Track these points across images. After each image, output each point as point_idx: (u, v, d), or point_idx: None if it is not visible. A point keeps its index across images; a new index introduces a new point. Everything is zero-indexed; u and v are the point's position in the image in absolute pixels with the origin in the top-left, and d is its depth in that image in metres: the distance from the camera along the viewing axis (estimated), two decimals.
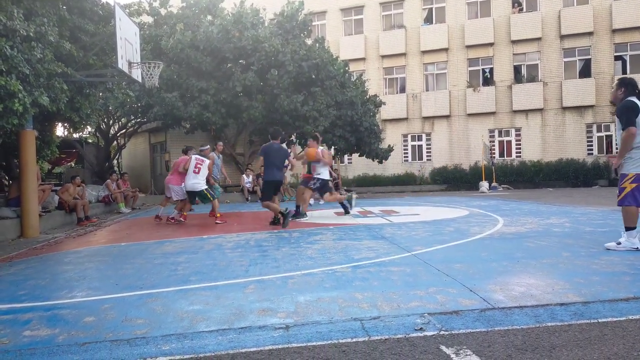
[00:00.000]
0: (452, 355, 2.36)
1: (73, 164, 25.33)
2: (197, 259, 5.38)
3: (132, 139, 23.17)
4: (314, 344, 2.60)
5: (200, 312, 3.24)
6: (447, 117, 26.63)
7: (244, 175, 18.62)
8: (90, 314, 3.30)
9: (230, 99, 17.44)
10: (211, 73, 17.63)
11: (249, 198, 17.77)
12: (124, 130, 22.33)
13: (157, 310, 3.33)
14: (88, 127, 17.09)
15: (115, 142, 22.64)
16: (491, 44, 25.94)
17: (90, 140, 24.07)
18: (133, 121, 21.67)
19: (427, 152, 27.14)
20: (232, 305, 3.38)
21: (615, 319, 2.82)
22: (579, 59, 25.15)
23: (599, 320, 2.81)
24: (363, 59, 27.80)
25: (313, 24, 22.16)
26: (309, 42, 19.50)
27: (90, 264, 5.44)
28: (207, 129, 18.81)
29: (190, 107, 16.99)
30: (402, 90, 27.58)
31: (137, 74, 10.01)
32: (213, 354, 2.51)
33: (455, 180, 24.93)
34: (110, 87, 11.71)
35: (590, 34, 24.55)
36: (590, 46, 24.75)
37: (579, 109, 24.81)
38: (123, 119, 21.79)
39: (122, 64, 8.99)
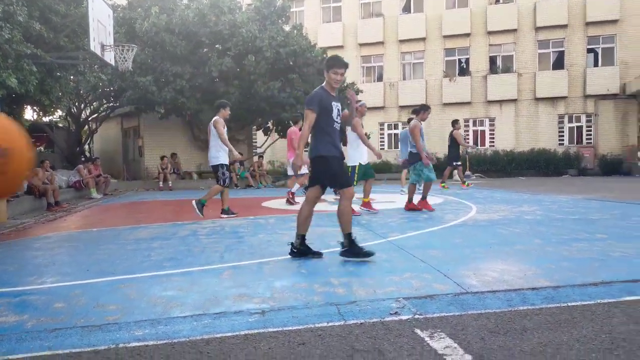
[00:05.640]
0: (427, 339, 2.39)
1: (43, 149, 24.69)
2: (171, 245, 5.31)
3: (104, 124, 22.65)
4: (290, 328, 2.60)
5: (175, 298, 3.20)
6: None
7: None
8: (61, 300, 3.23)
9: (206, 85, 17.19)
10: (186, 57, 17.32)
11: None
12: (95, 115, 21.81)
13: (130, 296, 3.28)
14: (58, 110, 16.65)
15: (86, 127, 22.11)
16: (468, 35, 26.10)
17: (60, 125, 23.47)
18: (105, 105, 21.18)
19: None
20: (207, 291, 3.35)
21: (584, 303, 2.89)
22: (552, 51, 25.54)
23: (569, 304, 2.88)
24: (341, 47, 27.65)
25: (291, 10, 21.93)
26: (286, 28, 19.31)
27: (60, 250, 5.33)
28: (182, 114, 18.53)
29: (165, 91, 16.67)
30: (380, 78, 27.61)
31: (110, 57, 9.79)
32: (187, 340, 2.48)
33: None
34: (81, 70, 11.40)
35: (564, 26, 24.92)
36: (564, 38, 25.14)
37: (552, 100, 25.26)
38: (95, 103, 21.28)
39: (94, 47, 8.77)
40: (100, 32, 9.12)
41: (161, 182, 17.49)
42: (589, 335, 2.39)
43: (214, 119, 7.72)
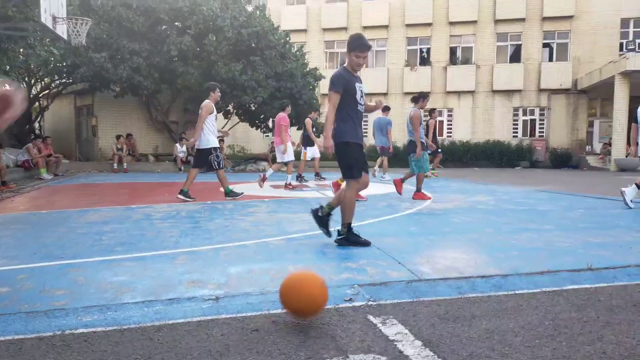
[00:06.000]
0: (379, 325, 2.43)
1: None
2: (123, 229, 5.17)
3: (55, 101, 21.74)
4: (244, 314, 2.58)
5: (126, 284, 3.12)
6: (384, 94, 27.00)
7: (177, 145, 18.08)
8: (4, 285, 3.09)
9: (165, 63, 16.72)
10: (144, 34, 16.76)
11: (182, 168, 17.30)
12: (47, 91, 20.89)
13: (78, 281, 3.18)
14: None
15: (37, 104, 21.14)
16: (429, 24, 26.41)
17: None
18: (57, 82, 20.30)
19: (363, 129, 27.49)
20: (159, 277, 3.28)
21: (530, 291, 3.00)
22: (510, 44, 26.21)
23: (516, 292, 2.98)
24: (304, 31, 27.48)
25: None
26: (249, 8, 18.97)
27: (5, 232, 5.10)
28: (139, 93, 17.99)
29: (121, 69, 16.12)
30: (342, 65, 27.56)
31: (62, 31, 9.34)
32: (137, 326, 2.42)
33: (390, 157, 25.47)
34: (32, 43, 10.87)
35: (522, 20, 25.58)
36: (522, 32, 25.82)
37: (508, 92, 25.98)
38: (46, 79, 20.35)
39: (45, 18, 8.35)
40: (52, 3, 8.68)
41: (115, 164, 16.99)
42: (534, 322, 2.48)
43: (204, 102, 7.62)
